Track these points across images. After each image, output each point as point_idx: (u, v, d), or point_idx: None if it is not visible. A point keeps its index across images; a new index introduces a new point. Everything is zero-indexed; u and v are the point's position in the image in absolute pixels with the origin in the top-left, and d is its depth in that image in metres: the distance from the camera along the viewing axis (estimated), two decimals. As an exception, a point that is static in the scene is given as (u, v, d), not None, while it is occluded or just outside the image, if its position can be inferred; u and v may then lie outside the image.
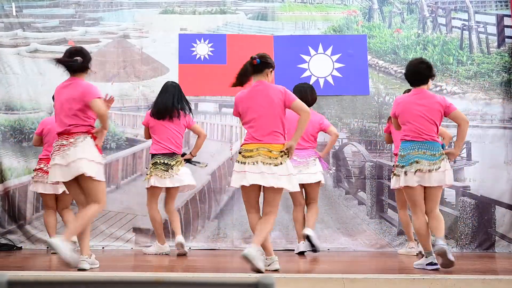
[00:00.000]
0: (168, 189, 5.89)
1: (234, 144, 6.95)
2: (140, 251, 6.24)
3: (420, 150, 4.50)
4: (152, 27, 7.31)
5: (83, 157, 4.29)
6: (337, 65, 7.15)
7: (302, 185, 5.70)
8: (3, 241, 6.48)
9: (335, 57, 7.17)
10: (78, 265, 4.20)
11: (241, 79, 4.36)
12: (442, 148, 4.56)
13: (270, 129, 4.27)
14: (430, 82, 4.74)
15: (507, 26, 7.31)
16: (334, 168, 7.01)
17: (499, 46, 7.30)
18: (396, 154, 5.61)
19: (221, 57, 7.08)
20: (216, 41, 7.16)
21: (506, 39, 7.30)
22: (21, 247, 6.51)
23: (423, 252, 4.73)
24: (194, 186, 6.09)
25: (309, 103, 5.76)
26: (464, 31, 7.36)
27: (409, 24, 7.44)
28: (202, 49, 7.13)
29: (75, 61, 4.37)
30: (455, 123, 4.71)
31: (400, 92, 6.46)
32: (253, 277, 3.83)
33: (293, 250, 6.07)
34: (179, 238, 5.77)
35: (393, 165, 5.60)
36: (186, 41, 7.17)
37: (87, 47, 5.21)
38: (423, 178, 4.47)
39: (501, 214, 6.86)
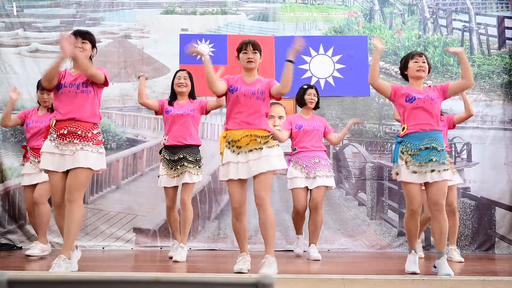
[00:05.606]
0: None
1: (234, 145, 6.94)
2: (141, 251, 6.22)
3: None
4: (153, 27, 7.32)
5: None
6: (338, 66, 7.15)
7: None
8: (3, 241, 6.48)
9: (336, 58, 7.17)
10: None
11: None
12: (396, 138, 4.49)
13: None
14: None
15: (508, 28, 7.31)
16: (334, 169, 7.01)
17: (499, 47, 7.30)
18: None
19: (222, 58, 7.08)
20: (217, 42, 7.17)
21: (506, 41, 7.30)
22: (21, 247, 6.50)
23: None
24: None
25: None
26: (464, 33, 7.36)
27: (410, 25, 7.44)
28: (203, 50, 7.13)
29: None
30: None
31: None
32: (253, 277, 3.83)
33: (294, 250, 6.05)
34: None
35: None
36: (187, 42, 7.12)
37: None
38: None
39: (501, 215, 6.86)
